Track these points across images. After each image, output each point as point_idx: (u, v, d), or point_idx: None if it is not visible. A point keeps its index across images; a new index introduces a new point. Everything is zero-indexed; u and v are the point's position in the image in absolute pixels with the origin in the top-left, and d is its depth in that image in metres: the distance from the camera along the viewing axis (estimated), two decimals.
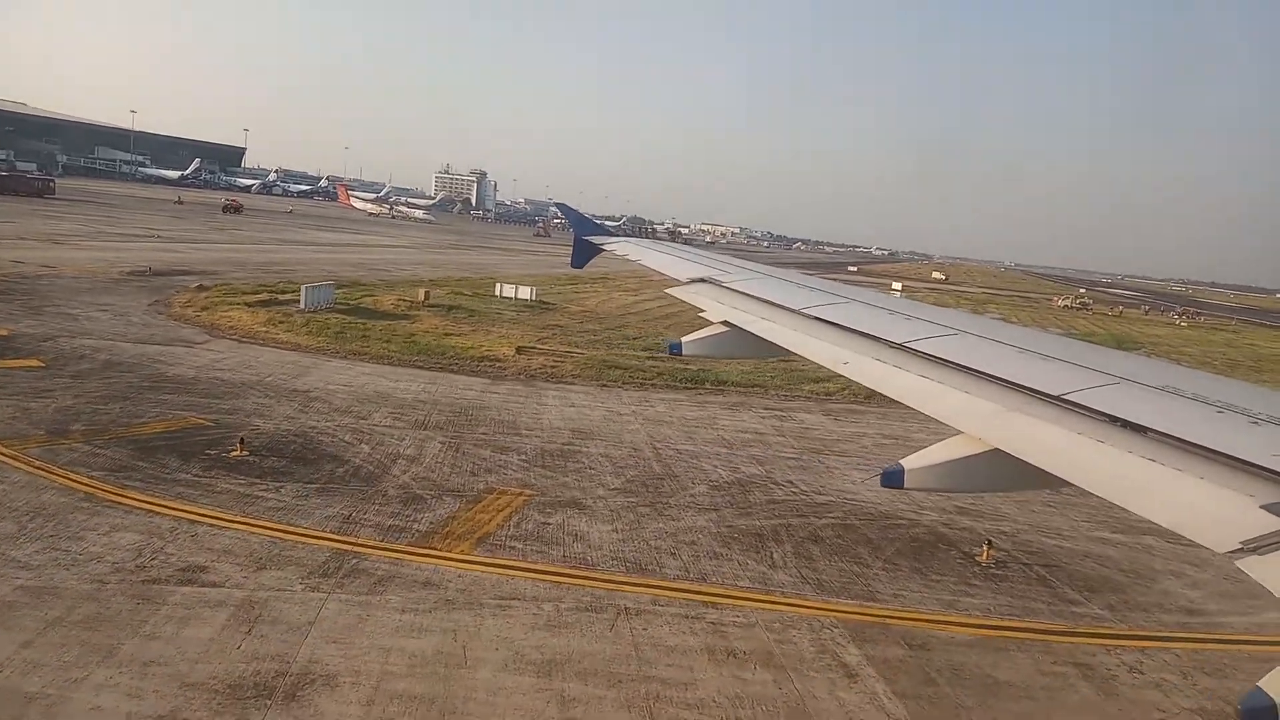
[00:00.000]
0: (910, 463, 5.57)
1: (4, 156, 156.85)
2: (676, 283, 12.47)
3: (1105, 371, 6.02)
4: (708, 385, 30.69)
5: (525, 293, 46.99)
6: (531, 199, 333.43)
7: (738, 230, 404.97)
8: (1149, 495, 4.44)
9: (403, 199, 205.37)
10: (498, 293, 47.92)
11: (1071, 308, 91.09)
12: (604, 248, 16.86)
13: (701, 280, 11.87)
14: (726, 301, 10.41)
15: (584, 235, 17.30)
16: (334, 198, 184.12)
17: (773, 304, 9.75)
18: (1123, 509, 4.52)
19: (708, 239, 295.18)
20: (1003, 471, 5.34)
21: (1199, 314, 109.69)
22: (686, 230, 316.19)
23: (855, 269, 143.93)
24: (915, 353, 7.05)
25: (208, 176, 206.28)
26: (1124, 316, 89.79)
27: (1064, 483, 4.90)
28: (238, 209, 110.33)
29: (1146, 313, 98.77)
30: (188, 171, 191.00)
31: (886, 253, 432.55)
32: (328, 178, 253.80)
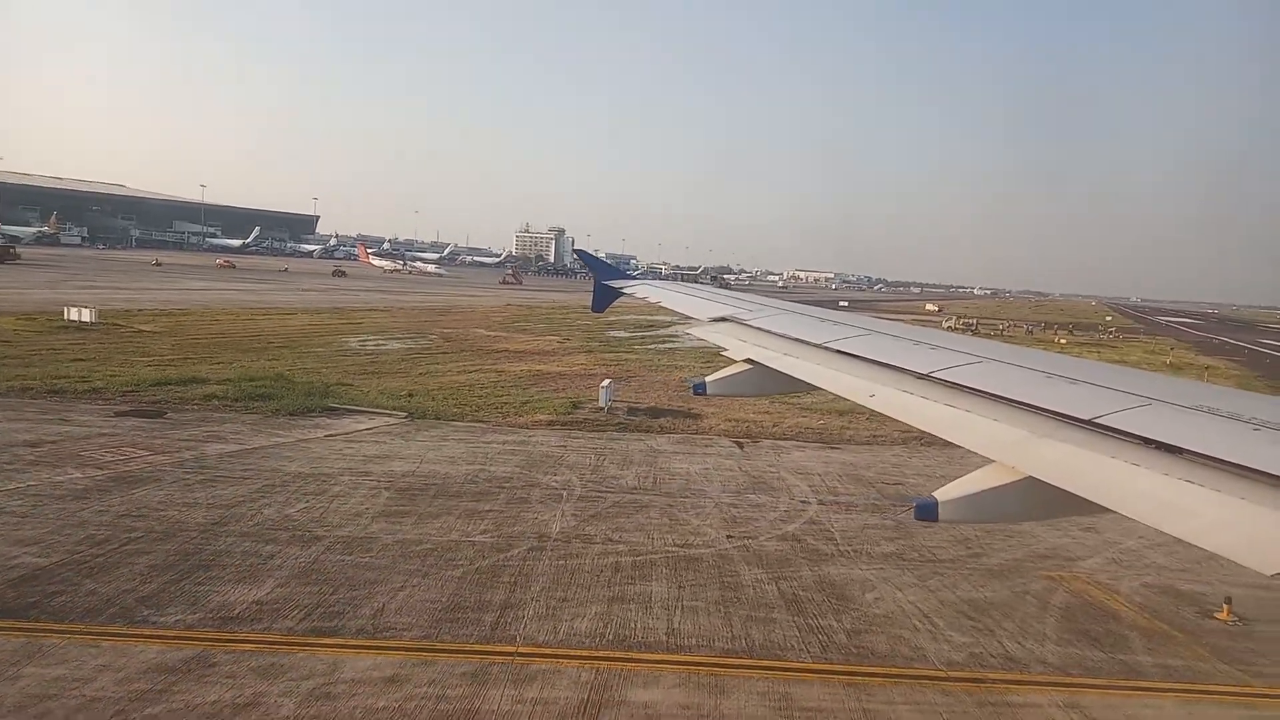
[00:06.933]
0: (944, 494, 5.41)
1: (71, 228, 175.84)
2: (698, 322, 12.63)
3: (1135, 393, 5.92)
4: None
5: (87, 314, 46.53)
6: (612, 253, 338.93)
7: (831, 275, 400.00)
8: (1190, 518, 4.29)
9: (419, 257, 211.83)
10: (65, 315, 46.70)
11: (955, 329, 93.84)
12: (624, 291, 17.25)
13: (723, 319, 12.07)
14: (749, 339, 10.40)
15: (604, 280, 17.71)
16: (399, 259, 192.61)
17: (795, 339, 9.75)
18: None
19: (779, 284, 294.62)
20: (1038, 500, 5.21)
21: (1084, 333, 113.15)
22: (777, 277, 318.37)
23: (847, 303, 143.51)
24: (941, 382, 6.98)
25: (275, 244, 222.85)
26: (1003, 334, 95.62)
27: (1102, 509, 4.72)
28: (343, 274, 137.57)
29: (1030, 333, 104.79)
30: (249, 240, 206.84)
31: (989, 292, 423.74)
32: (390, 240, 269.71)
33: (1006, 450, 5.53)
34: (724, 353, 10.42)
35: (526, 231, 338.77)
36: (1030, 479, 5.16)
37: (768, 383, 9.35)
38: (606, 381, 33.51)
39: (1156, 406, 5.55)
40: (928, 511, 5.36)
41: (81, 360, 34.73)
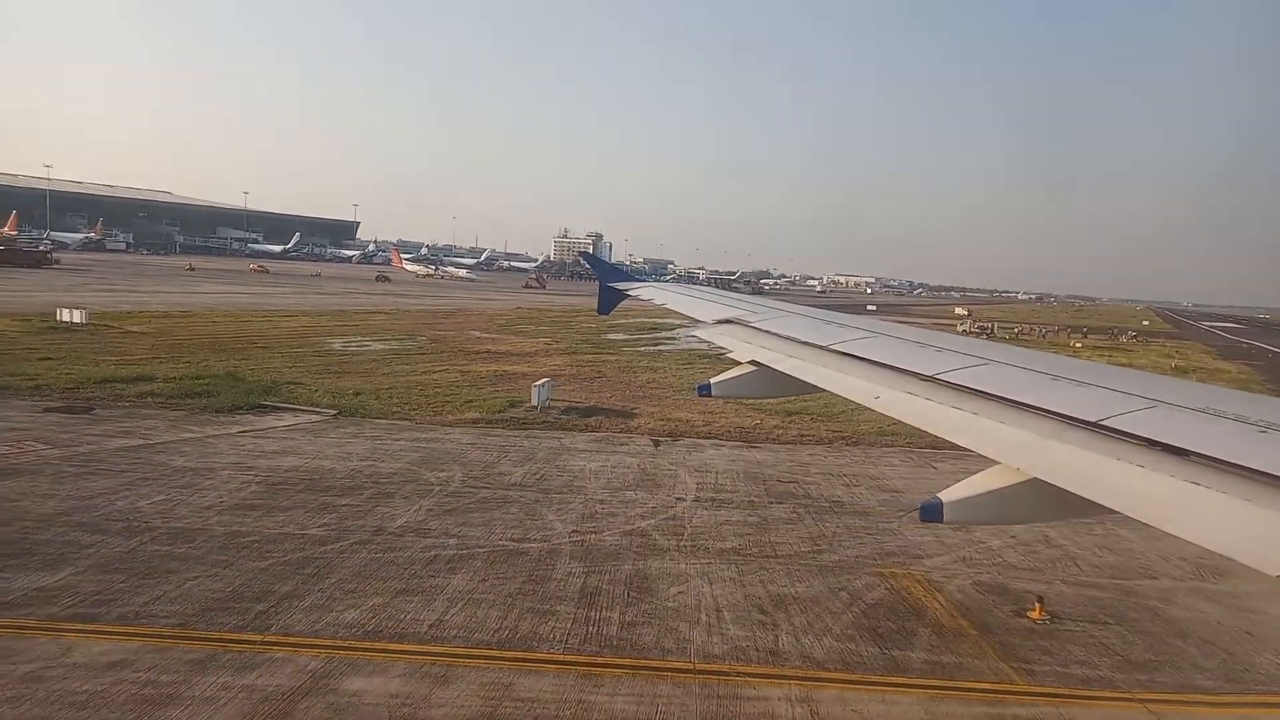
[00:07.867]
0: (948, 496, 5.50)
1: (117, 235, 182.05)
2: (703, 324, 12.95)
3: (1142, 395, 5.93)
4: None
5: (78, 316, 48.57)
6: (650, 257, 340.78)
7: (872, 280, 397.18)
8: (1196, 519, 4.34)
9: (454, 262, 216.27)
10: (57, 316, 49.12)
11: (970, 332, 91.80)
12: (629, 293, 17.65)
13: (728, 321, 12.38)
14: (754, 341, 10.61)
15: (609, 283, 18.04)
16: (432, 263, 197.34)
17: (800, 342, 9.87)
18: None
19: (818, 289, 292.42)
20: (1043, 501, 5.30)
21: (1117, 336, 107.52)
22: (816, 282, 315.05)
23: (874, 307, 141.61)
24: (947, 384, 7.04)
25: (315, 249, 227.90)
26: (1018, 338, 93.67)
27: (1107, 510, 4.76)
28: (387, 279, 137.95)
29: (1044, 336, 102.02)
30: (289, 245, 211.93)
31: (1034, 297, 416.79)
32: (428, 246, 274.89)
33: (1011, 452, 5.52)
34: (728, 355, 10.46)
35: (565, 237, 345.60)
36: (1035, 480, 5.17)
37: (772, 385, 9.32)
38: (542, 380, 33.63)
39: (1163, 408, 5.52)
40: (933, 513, 5.37)
41: (50, 359, 35.97)
